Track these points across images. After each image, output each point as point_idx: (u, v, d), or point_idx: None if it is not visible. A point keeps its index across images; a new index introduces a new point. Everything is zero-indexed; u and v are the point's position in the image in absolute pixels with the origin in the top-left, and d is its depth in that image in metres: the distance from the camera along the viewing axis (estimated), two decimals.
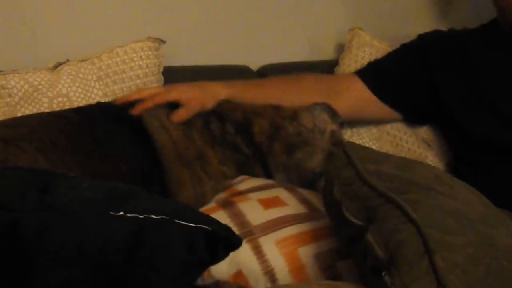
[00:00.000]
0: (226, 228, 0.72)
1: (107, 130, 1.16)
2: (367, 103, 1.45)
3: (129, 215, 0.67)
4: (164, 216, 0.67)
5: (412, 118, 1.51)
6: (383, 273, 0.68)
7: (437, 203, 0.77)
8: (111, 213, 0.67)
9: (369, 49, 1.59)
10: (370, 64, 1.52)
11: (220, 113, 1.26)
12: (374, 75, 1.47)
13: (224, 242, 0.71)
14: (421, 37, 1.49)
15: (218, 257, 0.71)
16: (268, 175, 1.23)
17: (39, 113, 1.27)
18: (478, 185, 0.92)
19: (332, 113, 1.28)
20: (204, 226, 0.69)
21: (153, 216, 0.68)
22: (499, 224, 0.81)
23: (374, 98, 1.45)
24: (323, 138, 1.23)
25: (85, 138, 1.13)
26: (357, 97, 1.45)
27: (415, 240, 0.69)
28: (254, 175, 1.21)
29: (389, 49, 1.57)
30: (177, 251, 0.67)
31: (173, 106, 1.24)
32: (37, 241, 0.64)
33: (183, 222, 0.68)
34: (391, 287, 0.65)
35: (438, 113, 1.44)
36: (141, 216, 0.67)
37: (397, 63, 1.48)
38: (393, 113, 1.48)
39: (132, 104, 1.23)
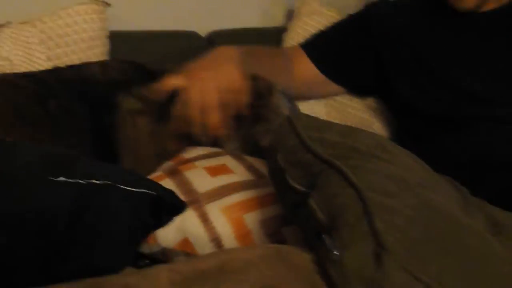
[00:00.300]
0: (170, 192, 0.72)
1: (63, 105, 1.10)
2: (313, 79, 1.45)
3: (70, 180, 0.66)
4: (107, 181, 0.67)
5: (356, 91, 1.52)
6: (324, 236, 0.70)
7: (377, 168, 0.78)
8: (51, 178, 0.66)
9: (318, 17, 1.59)
10: (315, 36, 1.51)
11: None
12: (319, 49, 1.46)
13: (168, 206, 0.70)
14: (367, 7, 1.50)
15: (162, 222, 0.71)
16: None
17: None
18: (420, 153, 0.94)
19: (291, 101, 1.28)
20: (148, 191, 0.68)
21: (95, 181, 0.67)
22: (438, 188, 0.84)
23: (318, 72, 1.45)
24: (278, 121, 1.23)
25: (35, 111, 1.07)
26: (304, 73, 1.44)
27: (355, 203, 0.70)
28: None
29: (338, 17, 1.58)
30: (120, 216, 0.66)
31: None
32: None
33: (126, 187, 0.67)
34: (332, 249, 0.67)
35: (381, 86, 1.46)
36: (83, 182, 0.66)
37: (342, 35, 1.48)
38: (338, 88, 1.48)
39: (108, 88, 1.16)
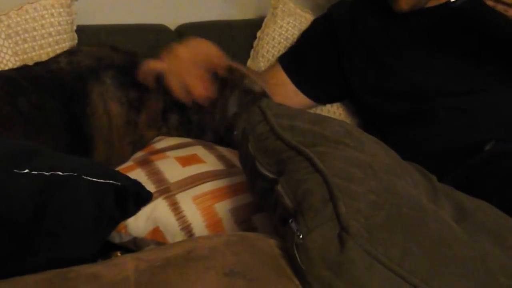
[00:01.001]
0: (136, 183, 0.72)
1: (33, 102, 1.09)
2: (292, 95, 1.48)
3: (34, 172, 0.66)
4: (71, 173, 0.66)
5: (325, 102, 1.55)
6: (290, 221, 0.70)
7: (344, 154, 0.79)
8: (16, 170, 0.65)
9: (293, 19, 1.60)
10: (290, 52, 1.54)
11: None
12: (294, 67, 1.50)
13: (134, 197, 0.71)
14: (329, 9, 1.52)
15: (128, 212, 0.71)
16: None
17: None
18: (387, 143, 0.96)
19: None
20: (113, 182, 0.68)
21: (60, 173, 0.66)
22: (403, 174, 0.85)
23: (296, 89, 1.49)
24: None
25: (6, 110, 1.06)
26: (284, 91, 1.48)
27: (321, 188, 0.71)
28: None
29: (311, 18, 1.60)
30: (86, 207, 0.66)
31: (137, 86, 1.21)
32: None
33: (91, 178, 0.67)
34: (297, 233, 0.68)
35: (347, 92, 1.49)
36: (47, 173, 0.66)
37: (310, 47, 1.51)
38: (309, 101, 1.52)
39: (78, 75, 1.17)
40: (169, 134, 1.24)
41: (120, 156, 1.17)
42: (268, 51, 1.59)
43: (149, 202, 0.74)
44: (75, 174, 0.67)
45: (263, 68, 1.60)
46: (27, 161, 0.67)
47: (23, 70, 1.20)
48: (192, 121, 1.25)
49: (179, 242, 0.74)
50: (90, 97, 1.16)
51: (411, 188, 0.82)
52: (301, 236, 0.67)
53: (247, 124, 0.96)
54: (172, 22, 1.62)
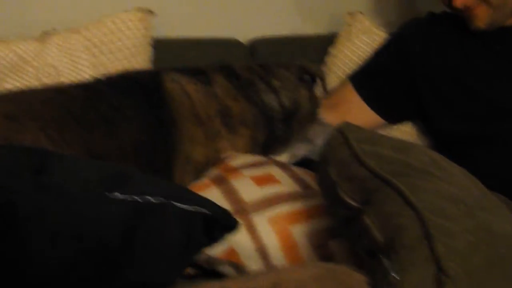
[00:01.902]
0: (224, 211, 0.72)
1: (113, 105, 1.13)
2: (356, 111, 1.45)
3: (127, 197, 0.66)
4: (162, 199, 0.66)
5: (396, 122, 1.51)
6: (381, 256, 0.68)
7: (435, 187, 0.76)
8: (108, 195, 0.66)
9: (367, 37, 1.57)
10: (361, 70, 1.50)
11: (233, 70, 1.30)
12: (365, 85, 1.47)
13: (222, 225, 0.70)
14: (401, 28, 1.49)
15: (215, 239, 0.71)
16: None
17: (40, 88, 1.22)
18: (462, 166, 0.92)
19: None
20: (202, 210, 0.68)
21: (151, 198, 0.66)
22: (495, 209, 0.82)
23: (366, 106, 1.46)
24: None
25: (88, 115, 1.10)
26: (347, 108, 1.45)
27: (414, 224, 0.69)
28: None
29: (385, 36, 1.56)
30: (174, 234, 0.66)
31: (195, 72, 1.25)
32: (33, 223, 0.63)
33: (181, 205, 0.67)
34: (390, 271, 0.65)
35: (419, 112, 1.45)
36: (138, 199, 0.66)
37: (382, 67, 1.48)
38: (380, 120, 1.48)
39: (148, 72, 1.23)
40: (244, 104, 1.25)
41: (213, 129, 1.20)
42: (339, 67, 1.57)
43: (235, 230, 0.73)
44: (166, 200, 0.67)
45: (333, 84, 1.57)
46: (120, 185, 0.68)
47: (100, 79, 1.25)
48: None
49: (263, 273, 0.73)
50: (165, 84, 1.20)
51: (505, 225, 0.78)
52: (394, 275, 0.64)
53: (326, 147, 0.94)
54: (245, 36, 1.62)
